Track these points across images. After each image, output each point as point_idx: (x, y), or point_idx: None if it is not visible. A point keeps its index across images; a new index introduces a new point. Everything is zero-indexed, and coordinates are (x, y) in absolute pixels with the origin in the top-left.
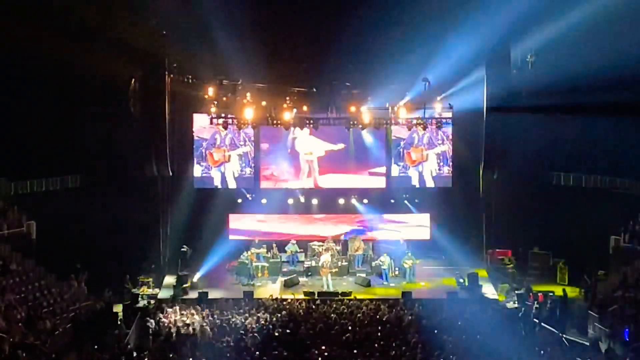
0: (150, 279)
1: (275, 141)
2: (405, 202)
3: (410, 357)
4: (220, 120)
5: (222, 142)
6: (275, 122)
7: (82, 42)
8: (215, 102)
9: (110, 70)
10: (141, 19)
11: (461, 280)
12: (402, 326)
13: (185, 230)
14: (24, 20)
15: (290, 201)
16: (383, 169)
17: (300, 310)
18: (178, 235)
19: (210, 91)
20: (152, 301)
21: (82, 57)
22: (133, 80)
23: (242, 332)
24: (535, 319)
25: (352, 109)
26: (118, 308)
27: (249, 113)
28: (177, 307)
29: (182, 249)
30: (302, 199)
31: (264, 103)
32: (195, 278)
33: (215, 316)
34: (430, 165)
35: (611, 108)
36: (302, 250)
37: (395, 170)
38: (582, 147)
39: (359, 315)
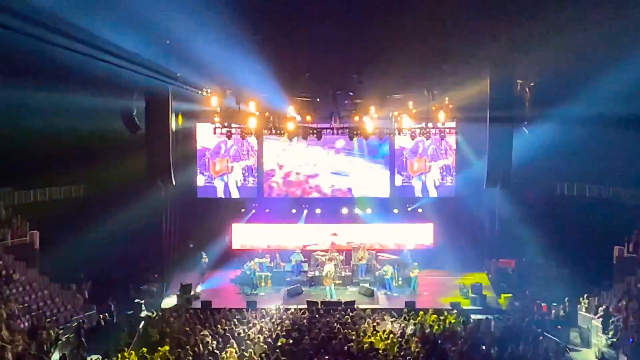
0: (154, 289)
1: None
2: (409, 210)
3: None
4: (224, 130)
5: (226, 152)
6: (278, 131)
7: (86, 51)
8: (219, 112)
9: (114, 80)
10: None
11: (465, 290)
12: (406, 336)
13: (188, 240)
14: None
15: (294, 211)
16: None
17: (304, 320)
18: (181, 245)
19: (214, 101)
20: (155, 310)
21: (86, 66)
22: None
23: (246, 342)
24: (539, 329)
25: (356, 118)
26: (121, 317)
27: (252, 123)
28: (180, 317)
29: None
30: (306, 209)
31: (267, 113)
32: (199, 288)
33: (219, 326)
34: (433, 175)
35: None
36: (305, 260)
37: (398, 180)
38: (587, 157)
39: (362, 325)
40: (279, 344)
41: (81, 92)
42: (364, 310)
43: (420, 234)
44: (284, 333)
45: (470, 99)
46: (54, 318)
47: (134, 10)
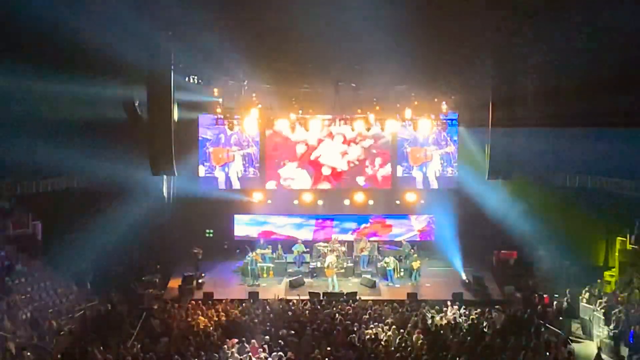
0: (156, 280)
1: None
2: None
3: (416, 358)
4: (226, 122)
5: (227, 141)
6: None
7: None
8: (221, 103)
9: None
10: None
11: (467, 281)
12: (408, 327)
13: (190, 231)
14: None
15: (296, 202)
16: None
17: (306, 311)
18: (183, 235)
19: (216, 92)
20: (158, 301)
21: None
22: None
23: (248, 333)
24: (540, 320)
25: (358, 110)
26: (123, 308)
27: (254, 114)
28: (182, 308)
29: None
30: (308, 200)
31: (269, 106)
32: (201, 279)
33: (221, 317)
34: (434, 165)
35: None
36: (307, 251)
37: (399, 171)
38: (587, 148)
39: (364, 316)
40: (281, 335)
41: (82, 80)
42: (366, 301)
43: (422, 226)
44: (285, 324)
45: (473, 90)
46: (57, 309)
47: None
